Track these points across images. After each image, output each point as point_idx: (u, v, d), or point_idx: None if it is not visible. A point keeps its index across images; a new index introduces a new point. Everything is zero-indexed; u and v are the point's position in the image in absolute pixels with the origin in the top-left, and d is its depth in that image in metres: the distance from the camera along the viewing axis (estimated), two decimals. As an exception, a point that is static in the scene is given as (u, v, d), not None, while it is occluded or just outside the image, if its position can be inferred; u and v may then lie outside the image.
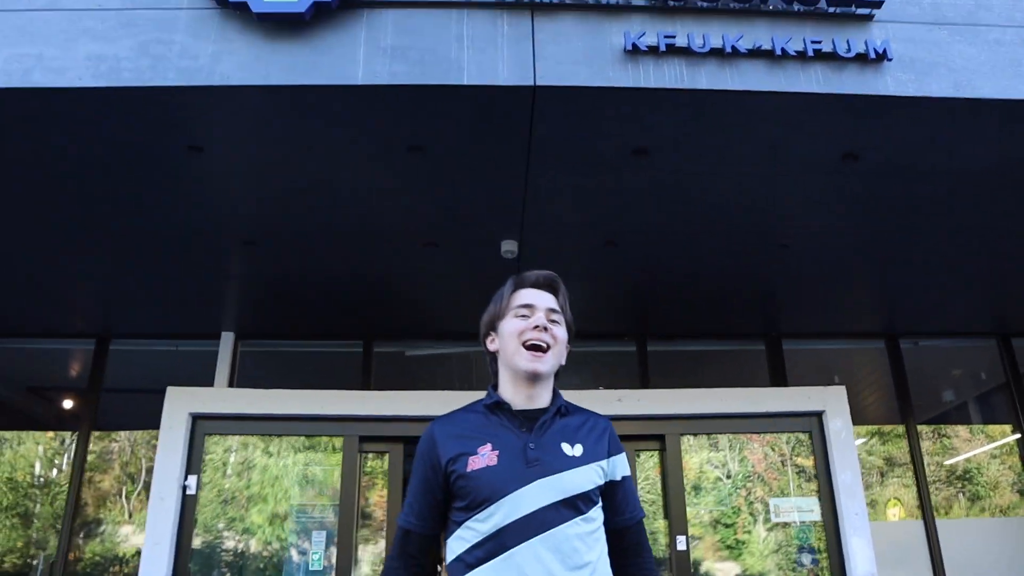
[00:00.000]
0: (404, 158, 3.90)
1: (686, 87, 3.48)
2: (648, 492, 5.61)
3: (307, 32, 3.43)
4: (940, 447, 6.30)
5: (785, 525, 5.57)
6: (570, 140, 3.79)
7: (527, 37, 3.51)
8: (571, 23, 3.56)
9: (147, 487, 5.78)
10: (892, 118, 3.69)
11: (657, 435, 5.65)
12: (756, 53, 3.55)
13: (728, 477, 5.71)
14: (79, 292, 5.52)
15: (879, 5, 3.67)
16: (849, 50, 3.57)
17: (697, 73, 3.51)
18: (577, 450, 1.67)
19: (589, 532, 1.62)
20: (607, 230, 4.68)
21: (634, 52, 3.50)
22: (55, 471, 5.91)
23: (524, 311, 1.77)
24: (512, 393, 1.75)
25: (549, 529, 1.57)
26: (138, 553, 5.55)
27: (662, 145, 3.85)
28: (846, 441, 5.57)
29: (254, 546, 5.39)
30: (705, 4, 3.62)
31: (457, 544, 1.64)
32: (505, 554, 1.56)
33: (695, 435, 5.74)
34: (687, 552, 5.39)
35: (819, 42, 3.57)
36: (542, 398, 1.75)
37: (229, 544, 5.38)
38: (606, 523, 1.70)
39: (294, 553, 5.39)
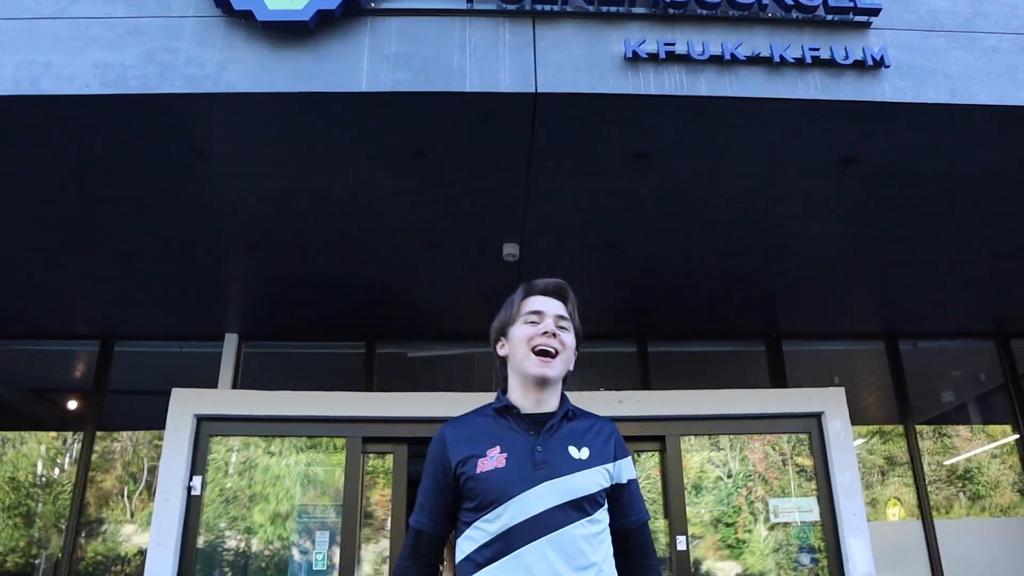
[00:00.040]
0: (406, 162, 3.94)
1: (686, 94, 3.52)
2: (648, 492, 5.66)
3: (311, 40, 3.48)
4: (941, 447, 6.34)
5: (785, 525, 5.62)
6: (571, 145, 3.84)
7: (528, 45, 3.55)
8: (572, 31, 3.60)
9: (148, 486, 5.84)
10: (890, 123, 3.73)
11: (657, 436, 5.70)
12: (755, 60, 3.59)
13: (729, 476, 5.75)
14: (84, 295, 5.57)
15: (876, 12, 3.71)
16: (847, 57, 3.61)
17: (697, 80, 3.56)
18: (584, 453, 1.73)
19: (595, 533, 1.67)
20: (608, 232, 4.73)
21: (634, 59, 3.54)
22: (59, 471, 5.96)
23: (533, 317, 1.82)
24: (521, 397, 1.80)
25: (556, 530, 1.62)
26: (140, 553, 5.61)
27: (662, 149, 3.89)
28: (845, 442, 5.61)
29: (258, 546, 5.44)
30: (704, 12, 3.66)
31: (466, 544, 1.68)
32: (513, 554, 1.61)
33: (696, 436, 5.78)
34: (687, 552, 5.44)
35: (817, 49, 3.61)
36: (550, 402, 1.80)
37: (233, 544, 5.43)
38: (612, 525, 1.75)
39: (297, 553, 5.44)
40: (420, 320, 6.05)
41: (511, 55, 3.53)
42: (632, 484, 1.82)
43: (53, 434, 6.09)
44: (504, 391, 1.85)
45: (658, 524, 5.55)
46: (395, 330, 6.31)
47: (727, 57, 3.56)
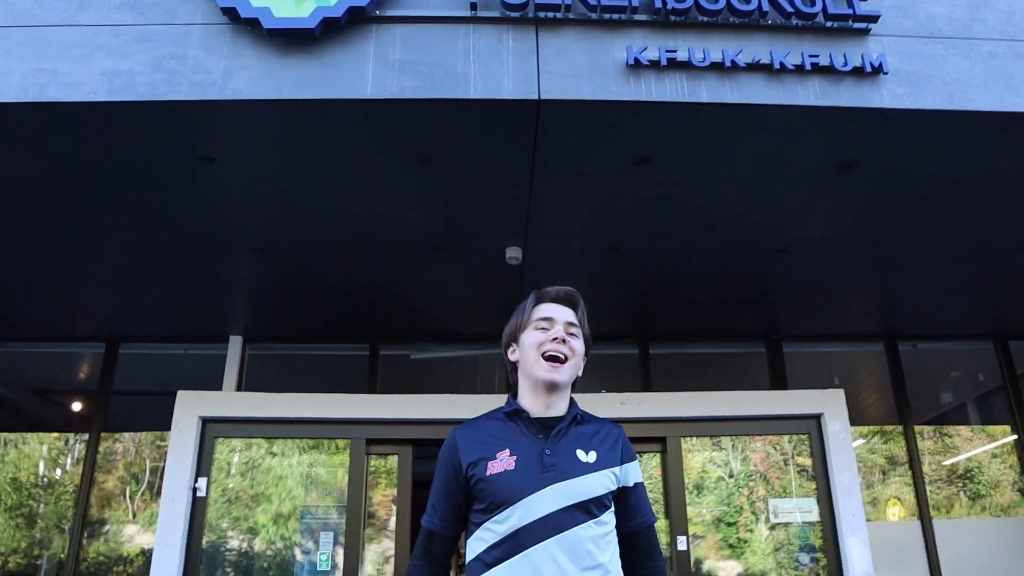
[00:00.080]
0: (411, 167, 3.98)
1: (687, 100, 3.56)
2: (650, 492, 5.67)
3: (317, 47, 3.51)
4: (941, 446, 6.38)
5: (786, 525, 5.66)
6: (573, 150, 3.88)
7: (531, 52, 3.59)
8: (574, 38, 3.64)
9: (151, 487, 5.88)
10: (889, 129, 3.76)
11: (658, 437, 5.74)
12: (755, 67, 3.62)
13: (731, 476, 5.80)
14: (90, 298, 5.61)
15: (875, 19, 3.74)
16: (846, 64, 3.65)
17: (698, 87, 3.60)
18: (591, 457, 1.77)
19: (601, 535, 1.72)
20: (610, 236, 4.77)
21: (636, 66, 3.58)
22: (65, 472, 6.00)
23: (544, 324, 1.87)
24: (531, 401, 1.85)
25: (563, 531, 1.66)
26: (142, 552, 5.66)
27: (663, 154, 3.93)
28: (844, 443, 5.66)
29: (263, 546, 5.48)
30: (706, 19, 3.70)
31: (476, 544, 1.73)
32: (521, 554, 1.65)
33: (697, 437, 5.83)
34: (687, 552, 5.48)
35: (816, 56, 3.65)
36: (559, 407, 1.85)
37: (238, 544, 5.48)
38: (619, 527, 1.80)
39: (302, 553, 5.48)
40: (423, 322, 6.09)
41: (514, 62, 3.57)
42: (638, 487, 1.87)
43: (58, 435, 6.14)
44: (514, 395, 1.90)
45: (659, 524, 5.59)
46: (398, 332, 6.35)
47: (728, 64, 3.60)
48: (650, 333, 6.44)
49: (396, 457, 5.70)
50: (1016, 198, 4.36)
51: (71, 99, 3.38)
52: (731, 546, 5.63)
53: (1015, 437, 6.42)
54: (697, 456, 5.82)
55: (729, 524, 5.68)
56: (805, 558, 5.58)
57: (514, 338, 1.93)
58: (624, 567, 1.78)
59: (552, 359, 1.82)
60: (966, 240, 4.85)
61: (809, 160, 4.00)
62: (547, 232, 4.68)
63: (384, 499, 5.65)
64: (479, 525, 1.73)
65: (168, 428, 5.59)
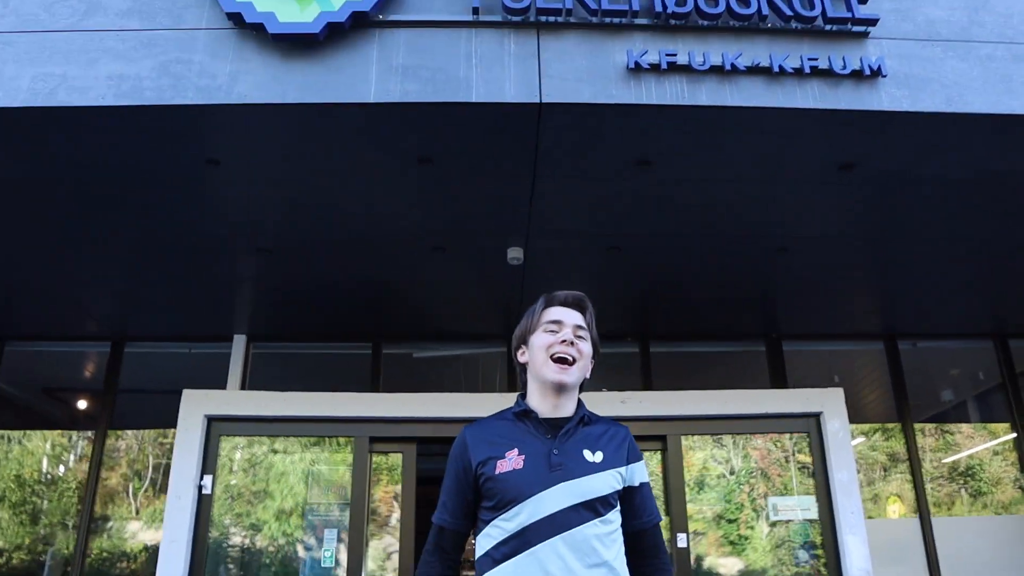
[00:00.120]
0: (413, 169, 4.03)
1: (687, 103, 3.60)
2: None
3: (321, 52, 3.56)
4: (942, 444, 6.42)
5: (786, 523, 5.71)
6: (574, 152, 3.92)
7: (533, 55, 3.63)
8: (575, 42, 3.68)
9: (153, 483, 5.95)
10: (887, 131, 3.79)
11: (659, 436, 5.79)
12: (755, 70, 3.66)
13: (731, 473, 5.85)
14: (96, 298, 5.67)
15: (874, 23, 3.78)
16: (845, 67, 3.68)
17: (697, 90, 3.63)
18: (598, 457, 1.82)
19: (607, 533, 1.76)
20: (610, 236, 4.81)
21: (636, 70, 3.62)
22: (71, 470, 6.07)
23: (553, 327, 1.91)
24: (539, 402, 1.89)
25: (569, 529, 1.71)
26: (145, 548, 5.72)
27: (663, 156, 3.97)
28: (843, 441, 5.70)
29: (268, 543, 5.54)
30: (705, 23, 3.74)
31: (485, 541, 1.78)
32: (529, 551, 1.70)
33: (698, 435, 5.87)
34: (687, 549, 5.53)
35: (816, 59, 3.69)
36: (567, 408, 1.89)
37: (244, 541, 5.54)
38: (625, 526, 1.84)
39: (306, 550, 5.54)
40: (425, 321, 6.14)
41: (516, 66, 3.61)
42: (644, 487, 1.91)
43: (64, 433, 6.20)
44: (523, 396, 1.95)
45: (661, 522, 5.63)
46: (400, 331, 6.40)
47: (727, 67, 3.64)
48: (650, 332, 6.48)
49: (397, 454, 5.75)
50: (1016, 198, 4.39)
51: (80, 103, 3.42)
52: (732, 543, 5.68)
53: (1015, 435, 6.45)
54: (698, 453, 5.87)
55: (730, 521, 5.72)
56: (804, 555, 5.62)
57: (524, 340, 1.97)
58: (630, 565, 1.82)
59: (560, 361, 1.87)
60: (966, 239, 4.88)
61: (809, 161, 4.04)
62: (548, 232, 4.72)
63: (386, 495, 5.71)
64: (488, 522, 1.78)
65: (173, 425, 5.65)
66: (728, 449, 5.90)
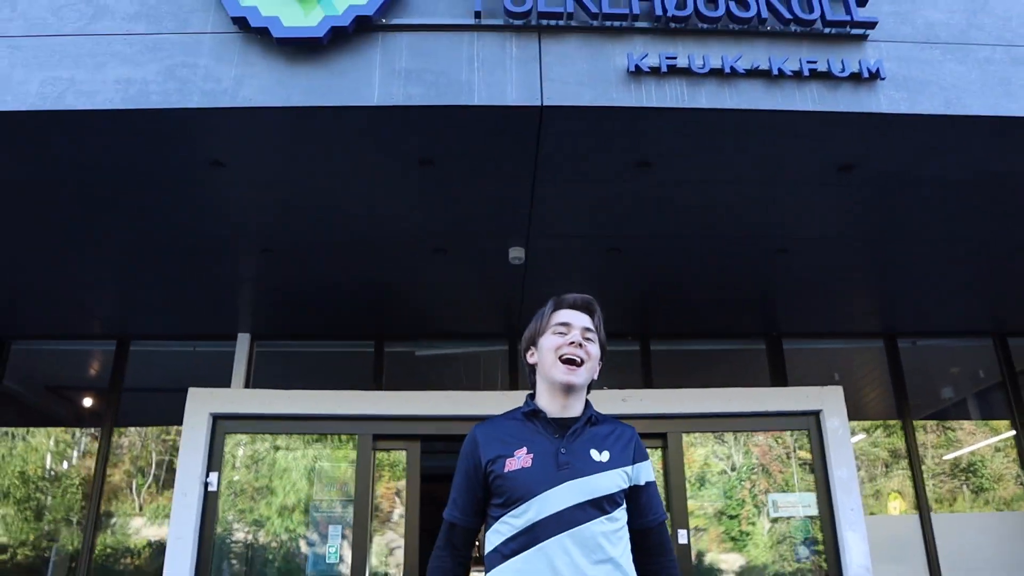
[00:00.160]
0: (416, 171, 4.07)
1: (687, 106, 3.63)
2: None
3: (325, 56, 3.60)
4: (944, 440, 6.46)
5: (787, 519, 5.76)
6: (575, 154, 3.95)
7: (534, 59, 3.67)
8: (576, 45, 3.71)
9: (156, 480, 6.01)
10: (886, 133, 3.82)
11: (659, 433, 5.83)
12: (754, 73, 3.69)
13: (733, 469, 5.89)
14: (102, 298, 5.73)
15: (873, 26, 3.80)
16: (843, 69, 3.71)
17: (697, 92, 3.67)
18: (604, 456, 1.87)
19: (613, 530, 1.81)
20: (611, 237, 4.84)
21: (637, 73, 3.65)
22: (76, 467, 6.13)
23: (562, 329, 1.96)
24: (548, 402, 1.94)
25: (576, 526, 1.76)
26: (149, 544, 5.78)
27: (663, 158, 4.00)
28: (843, 439, 5.74)
29: (274, 539, 5.60)
30: (705, 26, 3.77)
31: (494, 537, 1.83)
32: (536, 547, 1.75)
33: (700, 433, 5.92)
34: (688, 545, 5.58)
35: (815, 62, 3.71)
36: (575, 408, 1.94)
37: (249, 537, 5.60)
38: (631, 524, 1.89)
39: (311, 546, 5.60)
40: (427, 320, 6.18)
41: (517, 69, 3.65)
42: (650, 486, 1.96)
43: (72, 431, 6.26)
44: (532, 396, 2.00)
45: (661, 519, 5.68)
46: (403, 329, 6.45)
47: (727, 70, 3.67)
48: (651, 330, 6.52)
49: (397, 451, 5.80)
50: (1014, 199, 4.41)
51: (88, 107, 3.46)
52: (733, 539, 5.73)
53: (1013, 433, 6.49)
54: (700, 449, 5.91)
55: (731, 517, 5.77)
56: (805, 551, 5.67)
57: (533, 342, 2.02)
58: (637, 563, 1.87)
59: (569, 362, 1.92)
60: (965, 240, 4.91)
61: (808, 163, 4.07)
62: (548, 233, 4.75)
63: (387, 491, 5.76)
64: (497, 519, 1.83)
65: (177, 423, 5.71)
66: (729, 445, 5.95)
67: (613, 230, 4.74)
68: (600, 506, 1.80)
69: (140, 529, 5.91)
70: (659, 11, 3.73)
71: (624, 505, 1.88)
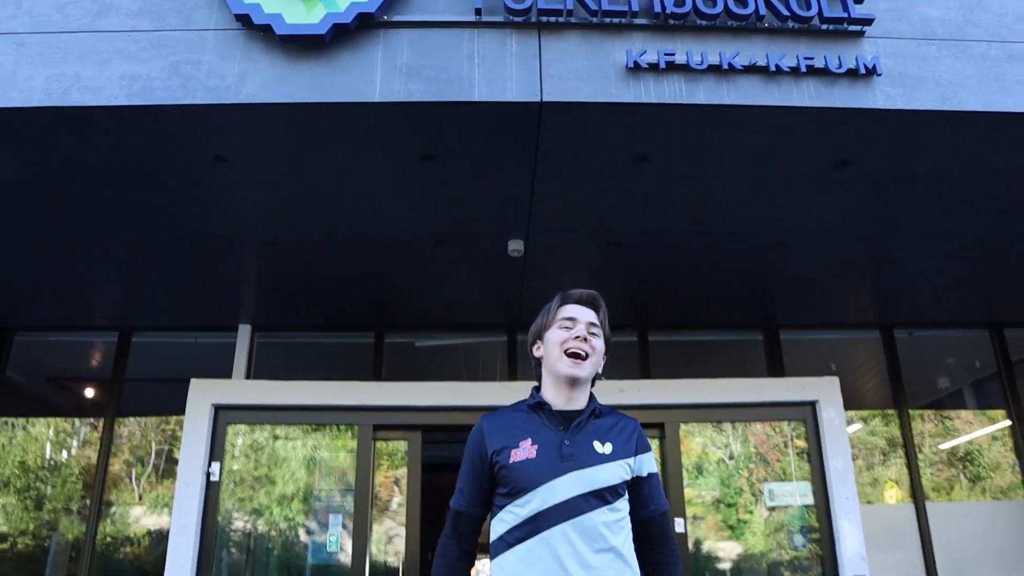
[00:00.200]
0: (417, 166, 4.10)
1: (685, 102, 3.67)
2: (649, 477, 5.86)
3: (327, 52, 3.63)
4: (942, 429, 6.53)
5: (784, 508, 5.84)
6: (574, 150, 3.99)
7: (534, 55, 3.70)
8: (576, 42, 3.74)
9: (156, 469, 6.08)
10: (882, 129, 3.86)
11: (657, 423, 5.90)
12: (752, 69, 3.73)
13: (731, 458, 5.97)
14: (105, 290, 5.76)
15: (870, 22, 3.84)
16: (840, 66, 3.74)
17: (695, 89, 3.70)
18: (607, 448, 1.93)
19: (615, 520, 1.87)
20: (609, 231, 4.89)
21: (635, 69, 3.69)
22: (77, 457, 6.19)
23: (567, 323, 2.02)
24: (553, 395, 2.00)
25: (579, 516, 1.82)
26: (149, 533, 5.85)
27: (662, 153, 4.05)
28: (838, 429, 5.81)
29: (274, 529, 5.68)
30: (704, 23, 3.80)
31: (499, 526, 1.90)
32: (540, 536, 1.82)
33: (697, 423, 5.99)
34: (685, 534, 5.66)
35: (812, 58, 3.75)
36: (579, 401, 2.00)
37: (251, 526, 5.68)
38: (633, 514, 1.95)
39: (311, 535, 5.67)
40: (427, 313, 6.23)
41: (518, 65, 3.68)
42: (652, 477, 2.02)
43: (70, 420, 6.32)
44: (538, 389, 2.06)
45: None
46: (403, 321, 6.50)
47: (725, 66, 3.70)
48: (649, 321, 6.57)
49: (396, 441, 5.86)
50: (1009, 194, 4.45)
51: (93, 103, 3.50)
52: (730, 527, 5.81)
53: (1009, 423, 6.57)
54: (697, 438, 5.98)
55: (729, 505, 5.85)
56: (800, 540, 5.75)
57: (539, 336, 2.08)
58: (639, 552, 1.93)
59: (574, 356, 1.97)
60: (960, 236, 4.95)
61: (805, 159, 4.11)
62: (548, 227, 4.79)
63: (387, 480, 5.84)
64: (502, 508, 1.90)
65: (178, 413, 5.78)
66: (727, 434, 6.02)
67: (612, 225, 4.78)
68: (602, 496, 1.85)
69: (140, 518, 5.98)
70: (658, 8, 3.76)
71: (626, 496, 1.93)
